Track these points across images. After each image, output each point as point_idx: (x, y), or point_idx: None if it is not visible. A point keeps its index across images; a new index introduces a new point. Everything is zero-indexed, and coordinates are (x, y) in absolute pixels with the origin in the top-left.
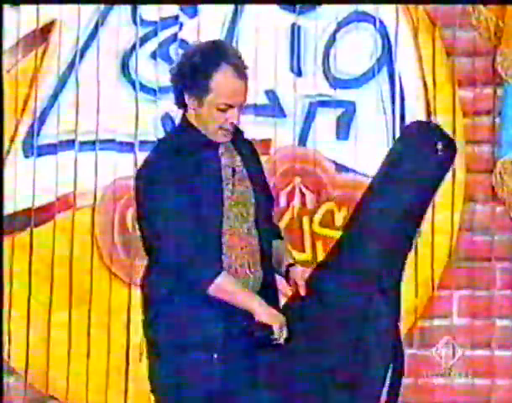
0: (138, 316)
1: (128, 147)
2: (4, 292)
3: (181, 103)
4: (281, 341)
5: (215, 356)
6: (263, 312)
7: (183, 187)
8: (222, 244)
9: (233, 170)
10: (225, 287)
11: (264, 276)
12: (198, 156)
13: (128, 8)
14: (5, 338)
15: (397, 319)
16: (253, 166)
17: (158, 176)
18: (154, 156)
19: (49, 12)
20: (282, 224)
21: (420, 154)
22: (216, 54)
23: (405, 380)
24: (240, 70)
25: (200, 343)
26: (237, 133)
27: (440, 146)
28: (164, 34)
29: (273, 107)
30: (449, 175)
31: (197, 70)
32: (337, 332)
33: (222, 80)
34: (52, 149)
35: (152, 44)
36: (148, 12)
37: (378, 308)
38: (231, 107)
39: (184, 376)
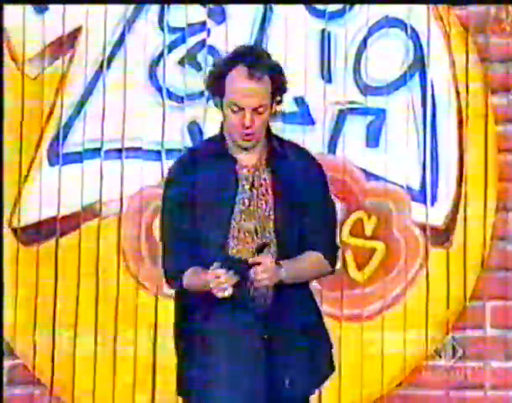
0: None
1: (154, 155)
2: (30, 303)
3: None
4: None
5: None
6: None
7: (185, 200)
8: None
9: (252, 185)
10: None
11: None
12: (212, 168)
13: (155, 15)
14: (30, 349)
15: None
16: (290, 183)
17: (167, 186)
18: (172, 165)
19: (75, 18)
20: None
21: None
22: (234, 55)
23: (437, 392)
24: (253, 72)
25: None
26: (275, 149)
27: None
28: (192, 41)
29: (302, 115)
30: (481, 184)
31: (216, 71)
32: None
33: (232, 79)
34: (78, 157)
35: (180, 51)
36: (176, 18)
37: None
38: (241, 109)
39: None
